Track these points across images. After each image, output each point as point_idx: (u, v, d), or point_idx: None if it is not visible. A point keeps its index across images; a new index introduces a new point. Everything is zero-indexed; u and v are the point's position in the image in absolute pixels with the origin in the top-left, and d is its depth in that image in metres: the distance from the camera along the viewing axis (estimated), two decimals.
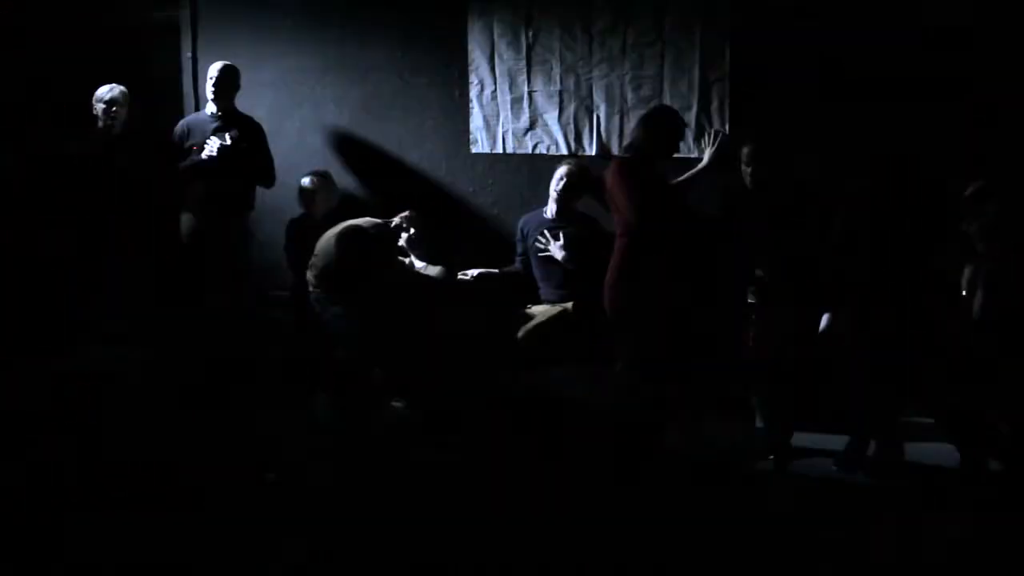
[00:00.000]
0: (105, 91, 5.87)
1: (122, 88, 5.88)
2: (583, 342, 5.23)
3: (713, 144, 5.30)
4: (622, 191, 4.71)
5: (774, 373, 4.90)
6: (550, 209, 5.50)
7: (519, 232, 5.62)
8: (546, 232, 5.42)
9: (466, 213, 6.08)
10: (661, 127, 4.82)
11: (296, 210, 5.95)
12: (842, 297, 4.75)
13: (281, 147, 6.10)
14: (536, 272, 5.54)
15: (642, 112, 5.32)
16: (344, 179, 6.23)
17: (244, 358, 5.52)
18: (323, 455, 4.72)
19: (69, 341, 5.36)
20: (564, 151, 5.85)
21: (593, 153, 5.79)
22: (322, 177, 5.88)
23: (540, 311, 5.44)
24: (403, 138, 6.18)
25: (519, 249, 5.64)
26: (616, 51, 5.69)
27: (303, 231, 5.73)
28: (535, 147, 5.93)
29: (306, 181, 5.83)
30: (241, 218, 6.01)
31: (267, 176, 5.98)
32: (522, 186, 5.98)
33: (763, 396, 5.06)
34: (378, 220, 5.50)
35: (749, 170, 4.96)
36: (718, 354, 5.05)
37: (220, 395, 5.14)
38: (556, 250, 5.37)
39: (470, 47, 5.96)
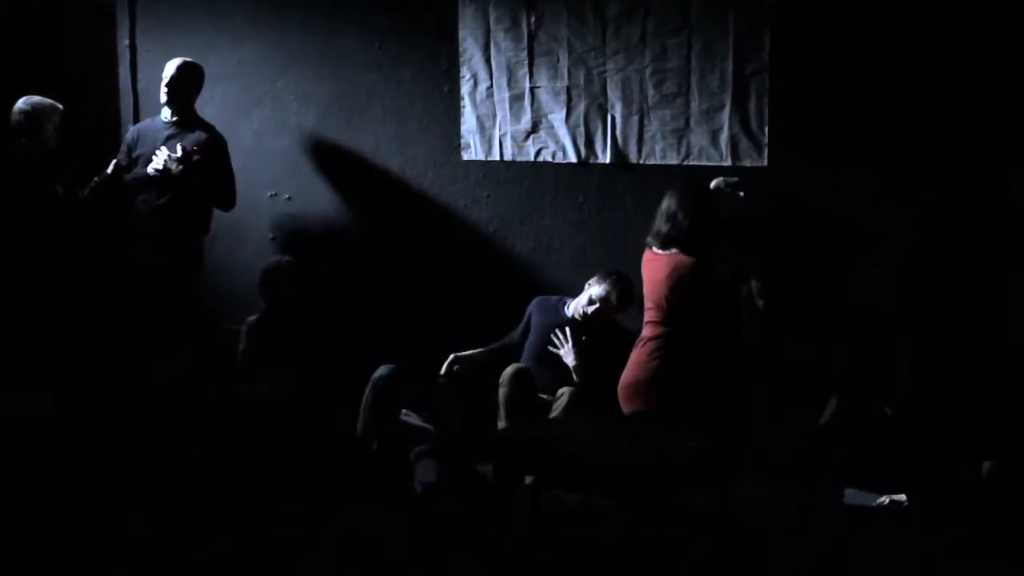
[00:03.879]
0: (27, 103, 5.54)
1: (49, 101, 5.60)
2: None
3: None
4: (678, 298, 4.81)
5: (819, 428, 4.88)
6: (572, 309, 5.35)
7: (527, 312, 5.52)
8: (560, 335, 5.29)
9: (457, 232, 5.86)
10: (698, 209, 4.86)
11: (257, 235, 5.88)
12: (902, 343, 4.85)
13: (235, 153, 5.89)
14: (529, 356, 5.37)
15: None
16: (311, 193, 6.08)
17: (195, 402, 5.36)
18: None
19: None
20: (573, 158, 5.61)
21: (607, 161, 5.54)
22: (283, 264, 5.56)
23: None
24: (382, 143, 5.98)
25: (522, 324, 5.52)
26: (634, 40, 5.42)
27: (262, 332, 5.42)
28: (538, 153, 5.68)
29: (268, 265, 5.55)
30: (194, 245, 5.78)
31: (226, 197, 5.78)
32: (523, 200, 5.74)
33: (806, 452, 4.93)
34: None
35: (761, 303, 5.04)
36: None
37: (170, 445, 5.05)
38: (567, 355, 5.27)
39: (461, 35, 5.76)
